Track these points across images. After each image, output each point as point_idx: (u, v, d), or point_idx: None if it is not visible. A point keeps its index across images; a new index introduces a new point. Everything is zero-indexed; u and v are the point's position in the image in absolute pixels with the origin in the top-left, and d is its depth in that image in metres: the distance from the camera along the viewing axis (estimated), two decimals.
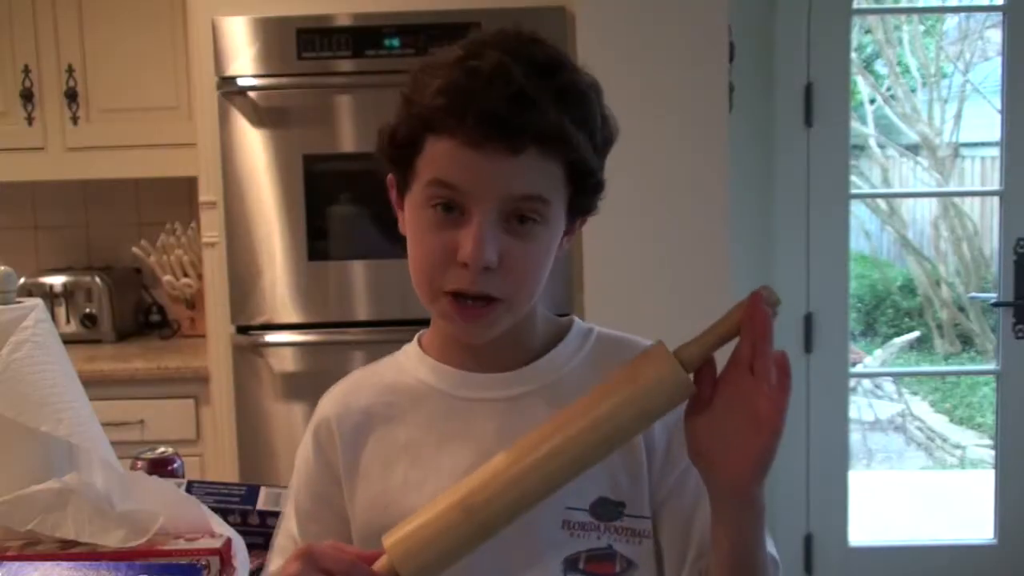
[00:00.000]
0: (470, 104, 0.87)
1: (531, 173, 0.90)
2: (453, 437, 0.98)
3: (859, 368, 5.08)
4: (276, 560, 1.05)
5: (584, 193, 0.96)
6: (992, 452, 3.48)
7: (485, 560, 0.91)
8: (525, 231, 0.91)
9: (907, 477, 5.22)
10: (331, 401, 1.05)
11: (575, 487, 0.92)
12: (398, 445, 1.00)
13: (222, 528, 1.12)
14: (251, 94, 2.59)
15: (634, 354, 0.92)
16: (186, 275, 3.12)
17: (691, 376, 0.88)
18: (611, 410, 0.86)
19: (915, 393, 6.01)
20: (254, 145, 2.60)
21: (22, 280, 2.93)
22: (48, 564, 0.99)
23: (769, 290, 0.90)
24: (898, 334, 5.99)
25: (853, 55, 3.37)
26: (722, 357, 0.91)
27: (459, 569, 0.89)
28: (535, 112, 0.88)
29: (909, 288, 6.20)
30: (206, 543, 1.09)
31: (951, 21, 5.80)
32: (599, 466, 0.92)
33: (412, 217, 0.95)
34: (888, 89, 5.94)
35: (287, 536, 1.05)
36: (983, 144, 5.53)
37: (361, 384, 1.05)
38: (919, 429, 5.63)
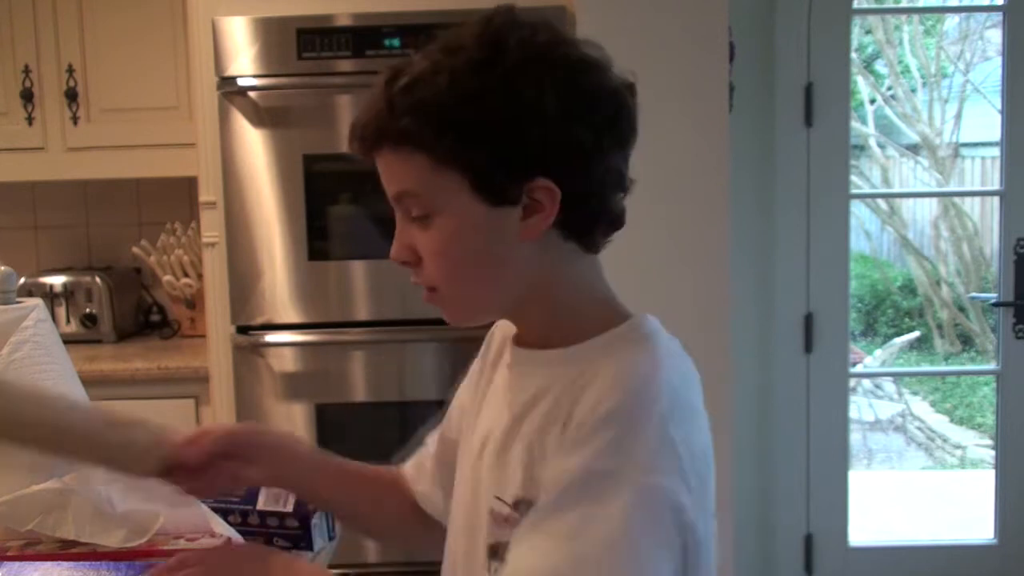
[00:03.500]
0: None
1: (392, 171, 0.94)
2: (486, 400, 1.04)
3: (859, 368, 5.08)
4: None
5: (479, 173, 0.89)
6: (992, 452, 3.48)
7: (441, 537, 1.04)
8: (425, 223, 0.94)
9: (907, 477, 5.22)
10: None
11: (500, 481, 0.94)
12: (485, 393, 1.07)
13: (222, 528, 1.12)
14: (251, 94, 2.59)
15: (608, 363, 0.89)
16: (186, 275, 3.12)
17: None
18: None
19: (915, 393, 6.01)
20: (254, 145, 2.60)
21: (22, 280, 2.93)
22: (48, 564, 0.99)
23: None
24: (898, 334, 6.00)
25: (853, 55, 3.37)
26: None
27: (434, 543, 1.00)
28: (379, 115, 0.92)
29: (909, 288, 6.20)
30: (206, 543, 1.09)
31: (951, 21, 5.80)
32: (517, 466, 0.92)
33: None
34: (888, 89, 5.94)
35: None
36: (983, 144, 5.53)
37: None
38: (919, 429, 5.63)
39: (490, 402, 1.03)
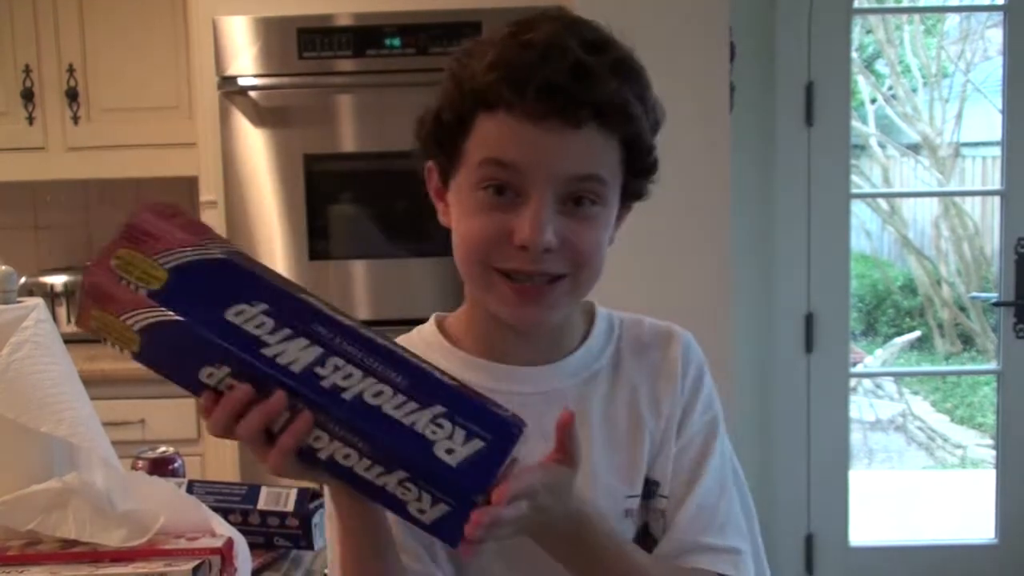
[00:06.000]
0: (530, 77, 0.84)
1: (591, 150, 0.87)
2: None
3: (860, 368, 5.07)
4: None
5: (639, 175, 0.94)
6: (993, 452, 3.48)
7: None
8: (583, 212, 0.89)
9: (908, 477, 5.22)
10: None
11: (630, 474, 0.97)
12: None
13: (223, 528, 1.12)
14: (252, 94, 2.59)
15: (654, 333, 1.02)
16: None
17: None
18: None
19: (916, 393, 6.01)
20: (255, 145, 2.60)
21: (23, 280, 2.92)
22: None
23: None
24: (899, 334, 5.99)
25: (854, 55, 3.37)
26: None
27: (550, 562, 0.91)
28: (595, 84, 0.85)
29: (910, 288, 6.19)
30: (207, 542, 1.09)
31: (952, 21, 5.80)
32: (644, 449, 0.98)
33: (459, 200, 0.91)
34: (889, 89, 5.93)
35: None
36: (984, 144, 5.52)
37: None
38: (920, 429, 5.63)
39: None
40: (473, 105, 0.88)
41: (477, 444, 0.74)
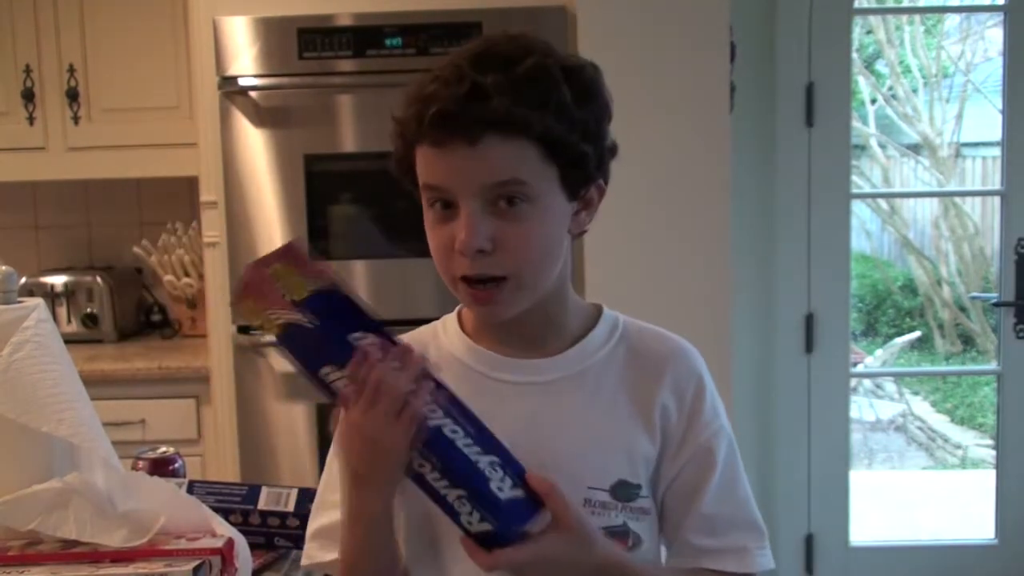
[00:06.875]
0: (427, 109, 0.95)
1: (497, 159, 0.94)
2: (481, 416, 0.98)
3: (860, 368, 5.07)
4: (319, 518, 1.07)
5: (573, 166, 0.99)
6: (993, 452, 3.48)
7: None
8: (514, 212, 0.96)
9: (908, 477, 5.22)
10: None
11: (597, 468, 1.01)
12: None
13: (223, 528, 1.13)
14: (252, 94, 2.59)
15: (657, 344, 1.07)
16: (187, 275, 3.12)
17: None
18: None
19: (916, 393, 6.01)
20: (255, 145, 2.60)
21: (23, 280, 2.93)
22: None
23: None
24: (899, 334, 5.99)
25: (854, 55, 3.37)
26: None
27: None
28: (485, 103, 0.93)
29: (910, 288, 6.20)
30: (207, 543, 1.09)
31: (952, 21, 5.80)
32: (622, 451, 1.03)
33: (425, 218, 1.01)
34: (889, 89, 5.94)
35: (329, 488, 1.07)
36: (984, 144, 5.53)
37: None
38: (920, 429, 5.63)
39: (490, 422, 0.97)
40: (406, 142, 1.00)
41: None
